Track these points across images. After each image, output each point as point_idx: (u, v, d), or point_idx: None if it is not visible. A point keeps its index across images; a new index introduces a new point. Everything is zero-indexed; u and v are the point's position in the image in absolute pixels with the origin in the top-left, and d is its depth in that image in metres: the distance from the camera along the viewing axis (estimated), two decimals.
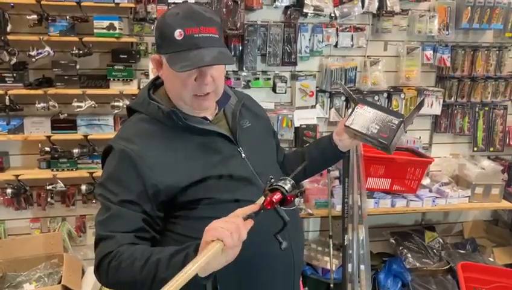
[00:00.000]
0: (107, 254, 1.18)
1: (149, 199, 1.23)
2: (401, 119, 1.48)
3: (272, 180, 1.14)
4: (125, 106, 2.77)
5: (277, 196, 1.09)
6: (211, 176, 1.27)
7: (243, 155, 1.37)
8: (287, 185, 1.12)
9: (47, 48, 2.68)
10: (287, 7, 3.00)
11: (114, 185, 1.24)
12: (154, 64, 1.32)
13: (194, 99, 1.29)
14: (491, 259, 3.35)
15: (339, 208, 2.89)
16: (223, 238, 0.99)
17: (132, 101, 1.46)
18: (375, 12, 3.09)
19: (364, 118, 1.50)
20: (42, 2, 2.62)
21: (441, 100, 3.30)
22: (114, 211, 1.21)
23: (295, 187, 1.13)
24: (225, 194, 1.26)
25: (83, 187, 2.89)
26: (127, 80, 2.80)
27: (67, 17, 2.70)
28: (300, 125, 3.11)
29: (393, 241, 3.38)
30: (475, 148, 3.52)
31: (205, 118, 1.36)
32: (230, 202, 1.19)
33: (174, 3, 2.76)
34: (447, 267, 3.18)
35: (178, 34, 1.21)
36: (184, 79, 1.25)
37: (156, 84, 1.43)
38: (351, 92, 1.70)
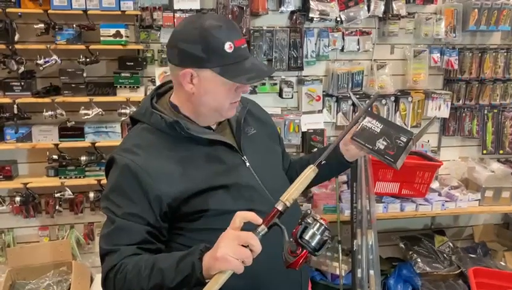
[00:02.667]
0: (112, 268, 1.18)
1: (153, 211, 1.22)
2: (410, 137, 1.44)
3: (308, 211, 1.08)
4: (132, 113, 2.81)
5: (303, 256, 1.05)
6: (214, 186, 1.26)
7: (247, 164, 1.35)
8: (318, 239, 1.04)
9: (54, 57, 2.69)
10: (292, 12, 3.00)
11: (118, 197, 1.24)
12: (184, 78, 1.26)
13: (230, 107, 1.32)
14: (502, 263, 3.31)
15: (347, 213, 2.86)
16: (235, 269, 1.01)
17: (134, 111, 1.45)
18: (381, 15, 3.08)
19: (372, 132, 1.46)
20: (49, 11, 2.64)
21: (449, 103, 3.28)
22: (118, 224, 1.21)
23: (324, 243, 1.05)
24: (228, 204, 1.25)
25: (91, 195, 2.90)
26: (133, 87, 2.81)
27: (74, 25, 2.71)
28: (308, 130, 3.10)
29: (402, 245, 3.35)
30: (484, 151, 3.49)
31: (209, 128, 1.36)
32: (234, 212, 1.16)
33: (179, 10, 2.78)
34: (457, 271, 3.14)
35: (228, 46, 1.22)
36: (229, 89, 1.27)
37: (160, 93, 1.42)
38: (359, 103, 1.68)
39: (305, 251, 1.04)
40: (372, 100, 1.46)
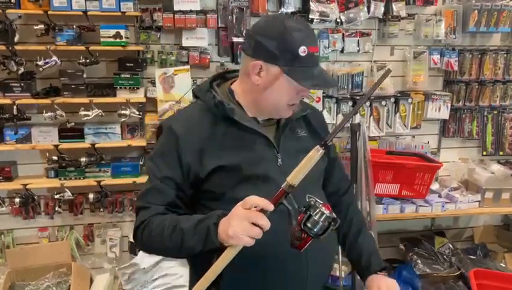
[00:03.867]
0: (141, 223, 1.32)
1: (183, 177, 1.33)
2: None
3: (312, 202, 1.16)
4: (132, 114, 2.82)
5: (307, 241, 1.15)
6: (239, 166, 1.32)
7: (279, 162, 1.38)
8: (320, 226, 1.14)
9: (54, 58, 2.69)
10: (292, 13, 3.00)
11: (159, 159, 1.36)
12: (253, 69, 1.32)
13: (288, 108, 1.37)
14: (502, 264, 3.31)
15: None
16: (246, 244, 1.11)
17: (196, 87, 1.57)
18: (381, 17, 3.08)
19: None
20: (49, 12, 2.64)
21: (449, 104, 3.28)
22: (154, 185, 1.34)
23: (328, 228, 1.15)
24: (248, 192, 1.24)
25: (91, 196, 2.90)
26: (133, 88, 2.80)
27: (74, 26, 2.71)
28: None
29: (402, 247, 3.35)
30: (484, 153, 3.49)
31: (255, 119, 1.41)
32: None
33: (179, 11, 2.77)
34: (457, 273, 3.14)
35: (302, 50, 1.27)
36: (291, 90, 1.32)
37: (226, 77, 1.49)
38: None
39: (308, 237, 1.14)
40: (384, 75, 1.41)
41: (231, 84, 1.45)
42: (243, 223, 1.10)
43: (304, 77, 1.29)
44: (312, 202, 1.15)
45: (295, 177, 1.13)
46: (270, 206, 1.12)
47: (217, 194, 1.33)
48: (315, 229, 1.14)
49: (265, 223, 1.10)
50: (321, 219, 1.13)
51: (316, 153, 1.14)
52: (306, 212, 1.14)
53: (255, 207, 1.13)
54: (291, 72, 1.28)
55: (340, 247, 1.69)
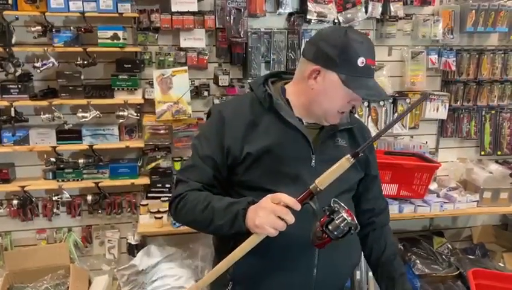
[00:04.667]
0: (178, 195, 1.43)
1: (222, 158, 1.42)
2: None
3: (336, 207, 1.23)
4: (129, 116, 2.82)
5: (327, 242, 1.25)
6: (273, 154, 1.39)
7: (313, 163, 1.43)
8: (340, 230, 1.23)
9: (52, 59, 2.69)
10: (290, 14, 3.00)
11: (203, 138, 1.48)
12: (311, 74, 1.39)
13: (337, 115, 1.43)
14: (501, 264, 3.31)
15: None
16: (270, 235, 1.21)
17: (252, 80, 1.69)
18: (378, 17, 3.09)
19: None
20: (46, 14, 2.63)
21: (447, 104, 3.28)
22: (195, 162, 1.46)
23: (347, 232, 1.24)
24: (279, 188, 1.31)
25: (89, 197, 2.90)
26: (131, 89, 2.80)
27: (72, 27, 2.71)
28: None
29: (401, 247, 3.35)
30: (482, 152, 3.50)
31: (299, 119, 1.47)
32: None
33: (177, 12, 2.77)
34: (456, 273, 3.14)
35: (361, 61, 1.35)
36: (344, 97, 1.38)
37: (282, 77, 1.57)
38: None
39: (328, 238, 1.24)
40: (420, 100, 1.50)
41: (285, 84, 1.53)
42: (270, 216, 1.20)
43: (359, 86, 1.35)
44: (336, 208, 1.23)
45: (323, 181, 1.22)
46: (298, 206, 1.21)
47: (248, 183, 1.41)
48: (335, 233, 1.23)
49: (290, 219, 1.20)
50: (342, 224, 1.22)
51: (346, 162, 1.22)
52: (330, 215, 1.23)
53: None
54: (348, 80, 1.34)
55: (368, 265, 1.71)
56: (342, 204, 1.25)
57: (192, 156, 1.49)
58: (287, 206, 1.20)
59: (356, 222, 1.24)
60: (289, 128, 1.43)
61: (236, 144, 1.41)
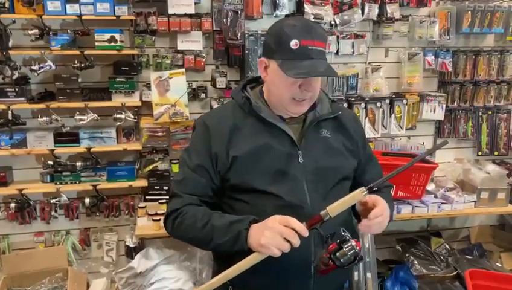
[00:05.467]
0: (174, 210, 1.42)
1: (212, 165, 1.43)
2: None
3: (347, 237, 1.26)
4: (127, 118, 2.82)
5: (332, 268, 1.28)
6: (258, 155, 1.40)
7: (300, 159, 1.43)
8: (347, 258, 1.25)
9: (49, 62, 2.69)
10: (287, 16, 3.00)
11: (192, 150, 1.48)
12: (260, 66, 1.45)
13: (292, 103, 1.42)
14: (498, 264, 3.32)
15: None
16: (274, 255, 1.21)
17: (233, 89, 1.72)
18: (375, 19, 3.09)
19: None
20: (43, 17, 2.64)
21: (444, 105, 3.29)
22: (186, 174, 1.45)
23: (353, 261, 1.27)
24: (270, 187, 1.37)
25: (87, 200, 2.89)
26: (129, 92, 2.80)
27: (69, 30, 2.71)
28: None
29: (399, 248, 3.35)
30: (479, 153, 3.51)
31: (281, 117, 1.47)
32: (269, 194, 1.38)
33: (174, 14, 2.78)
34: (454, 273, 3.14)
35: (294, 43, 1.33)
36: (290, 84, 1.37)
37: (260, 81, 1.57)
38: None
39: (334, 265, 1.26)
40: (441, 144, 1.47)
41: (263, 87, 1.54)
42: (277, 237, 1.21)
43: (291, 68, 1.33)
44: (347, 238, 1.26)
45: (335, 209, 1.24)
46: (306, 233, 1.22)
47: (240, 186, 1.41)
48: (342, 260, 1.25)
49: (297, 242, 1.21)
50: (349, 253, 1.25)
51: (359, 194, 1.24)
52: (339, 243, 1.26)
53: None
54: (283, 64, 1.35)
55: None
56: (350, 236, 1.27)
57: (182, 169, 1.49)
58: (294, 230, 1.21)
59: (362, 253, 1.27)
60: (271, 128, 1.44)
61: (222, 150, 1.42)
